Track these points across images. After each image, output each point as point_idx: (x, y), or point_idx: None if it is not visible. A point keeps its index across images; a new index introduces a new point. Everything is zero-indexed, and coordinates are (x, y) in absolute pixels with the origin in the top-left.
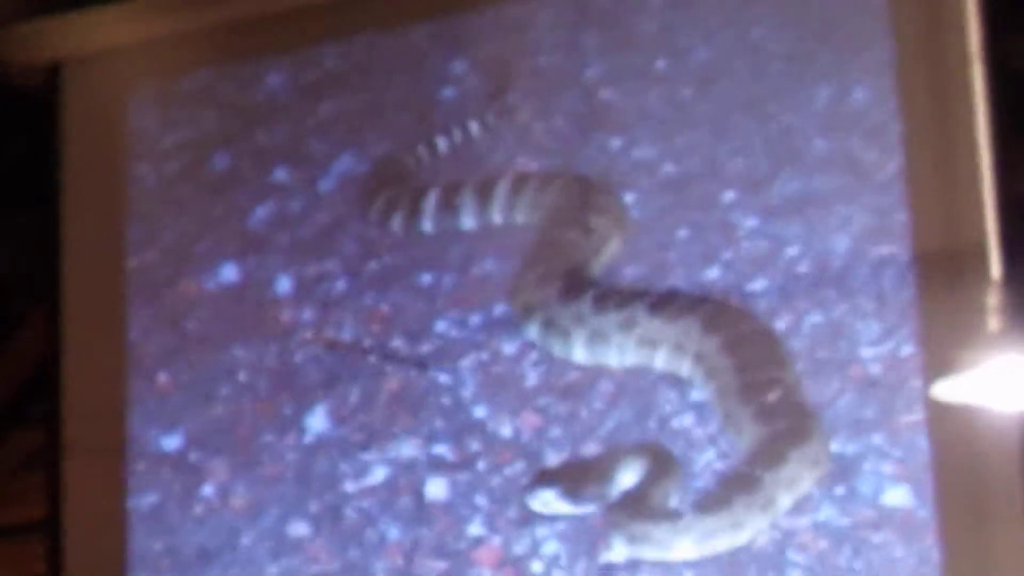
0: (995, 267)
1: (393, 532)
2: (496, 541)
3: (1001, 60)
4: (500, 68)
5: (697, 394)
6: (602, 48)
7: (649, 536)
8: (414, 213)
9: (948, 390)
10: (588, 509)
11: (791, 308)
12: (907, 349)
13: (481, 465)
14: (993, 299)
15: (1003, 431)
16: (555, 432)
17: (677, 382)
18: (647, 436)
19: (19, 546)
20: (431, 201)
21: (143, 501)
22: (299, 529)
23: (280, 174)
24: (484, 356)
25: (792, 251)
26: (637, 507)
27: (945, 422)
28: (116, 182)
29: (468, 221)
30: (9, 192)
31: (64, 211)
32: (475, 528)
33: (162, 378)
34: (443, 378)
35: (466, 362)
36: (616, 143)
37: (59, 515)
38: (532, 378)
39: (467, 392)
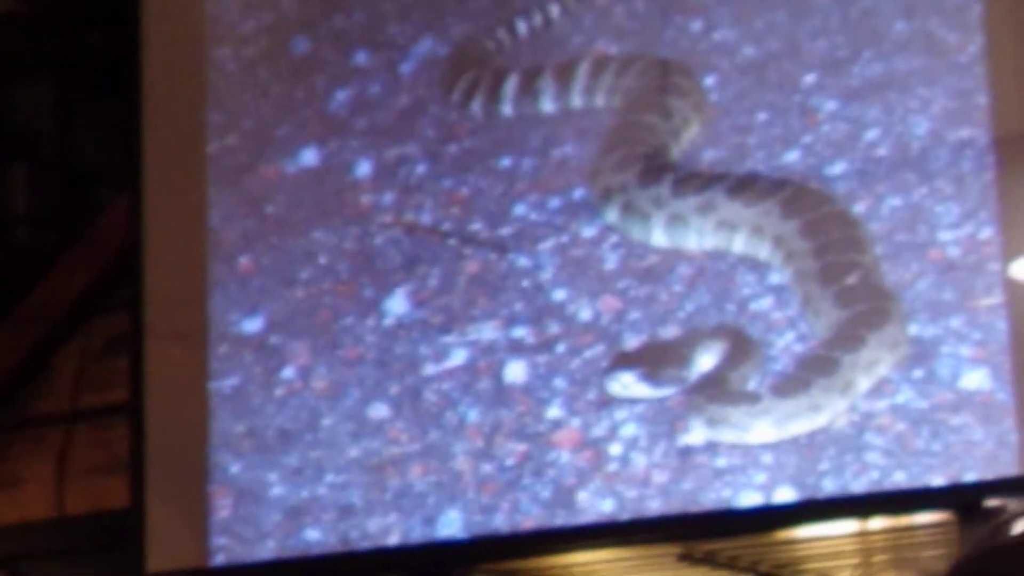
0: None
1: (473, 414)
2: (575, 423)
3: None
4: None
5: (776, 277)
6: None
7: (728, 419)
8: (494, 96)
9: None
10: (667, 392)
11: (870, 191)
12: (986, 232)
13: (560, 348)
14: None
15: None
16: (634, 315)
17: (756, 265)
18: (726, 319)
19: (103, 429)
20: (511, 84)
21: (225, 383)
22: (379, 411)
23: (360, 57)
24: (564, 239)
25: (872, 134)
26: (716, 390)
27: (1023, 304)
28: (196, 68)
29: (548, 104)
30: (91, 82)
31: (145, 99)
32: (554, 411)
33: (243, 262)
34: (522, 261)
35: (545, 245)
36: (696, 25)
37: (142, 398)
38: (611, 261)
39: (546, 275)
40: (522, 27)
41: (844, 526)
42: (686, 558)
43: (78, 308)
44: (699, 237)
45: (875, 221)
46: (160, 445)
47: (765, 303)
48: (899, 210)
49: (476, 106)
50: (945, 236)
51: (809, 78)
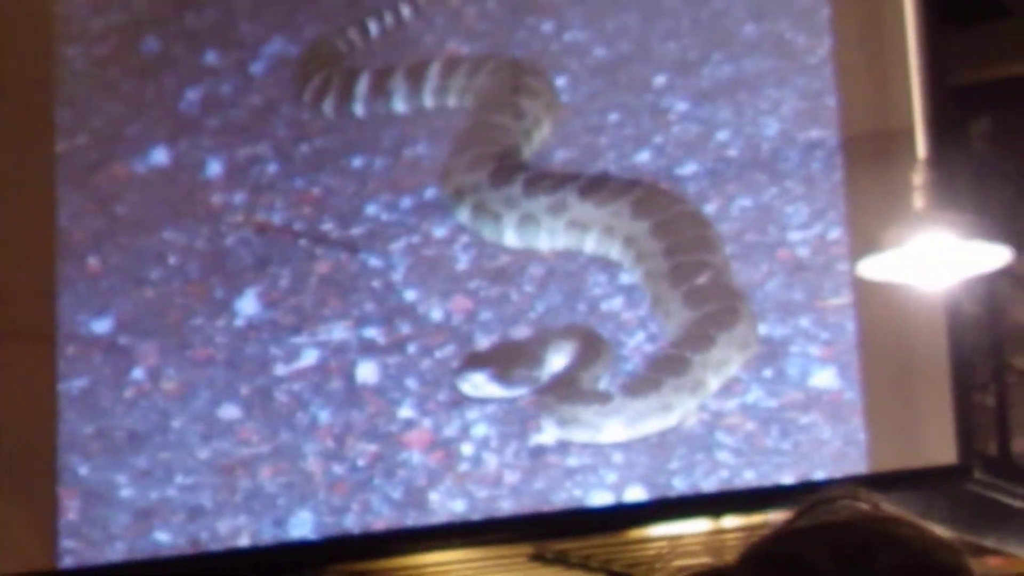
0: (921, 147)
1: (324, 415)
2: (426, 424)
3: None
4: None
5: (627, 277)
6: None
7: (579, 418)
8: (346, 96)
9: (873, 268)
10: (518, 392)
11: (721, 192)
12: (835, 232)
13: (411, 348)
14: (919, 178)
15: (928, 311)
16: (485, 315)
17: (607, 265)
18: (577, 319)
19: None
20: (363, 84)
21: (73, 385)
22: (230, 412)
23: (211, 57)
24: (415, 239)
25: (722, 135)
26: (567, 390)
27: (871, 304)
28: (45, 66)
29: (400, 104)
30: None
31: None
32: (405, 411)
33: (92, 262)
34: (374, 261)
35: (397, 245)
36: (547, 26)
37: None
38: (463, 261)
39: (398, 275)
40: (374, 27)
41: (696, 525)
42: (538, 558)
43: None
44: (550, 237)
45: (725, 221)
46: (7, 447)
47: (616, 303)
48: (749, 210)
49: (328, 106)
50: (795, 236)
51: (660, 79)
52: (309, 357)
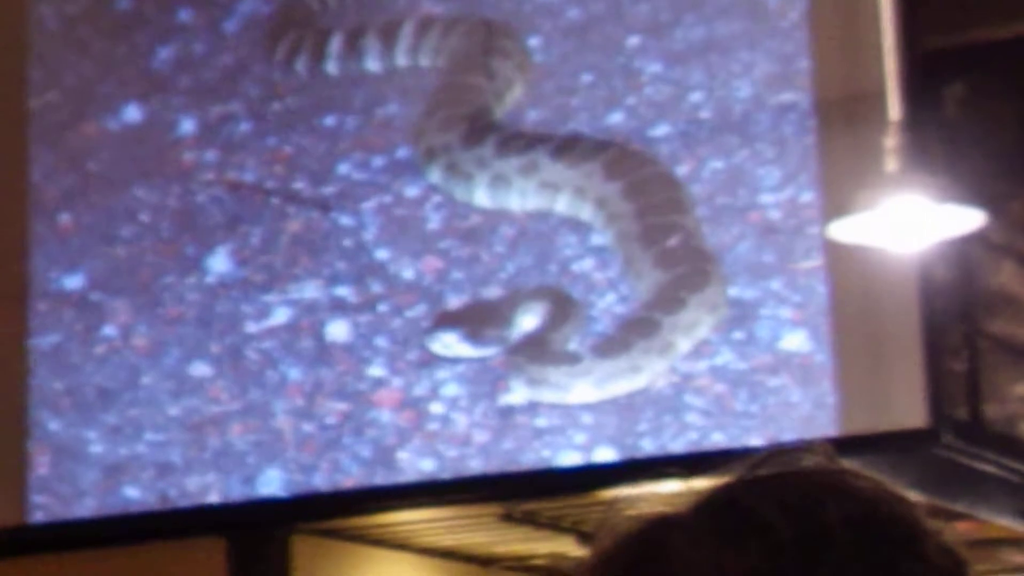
0: (893, 110)
1: (294, 373)
2: (397, 383)
3: None
4: None
5: (598, 238)
6: None
7: (548, 379)
8: (318, 55)
9: (845, 231)
10: (488, 351)
11: (693, 153)
12: (807, 195)
13: (382, 307)
14: (891, 141)
15: (899, 274)
16: (456, 275)
17: (578, 226)
18: (548, 280)
19: None
20: (335, 43)
21: (44, 341)
22: (200, 369)
23: (184, 15)
24: (387, 199)
25: (695, 97)
26: (537, 350)
27: (843, 267)
28: (17, 23)
29: (372, 63)
30: None
31: None
32: (376, 370)
33: (64, 219)
34: (345, 220)
35: (369, 204)
36: None
37: None
38: (434, 221)
39: (369, 234)
40: None
41: (666, 487)
42: (507, 518)
43: None
44: (522, 198)
45: (697, 183)
46: None
47: (587, 264)
48: (721, 172)
49: (300, 65)
50: (766, 199)
51: (633, 41)
52: (280, 315)
